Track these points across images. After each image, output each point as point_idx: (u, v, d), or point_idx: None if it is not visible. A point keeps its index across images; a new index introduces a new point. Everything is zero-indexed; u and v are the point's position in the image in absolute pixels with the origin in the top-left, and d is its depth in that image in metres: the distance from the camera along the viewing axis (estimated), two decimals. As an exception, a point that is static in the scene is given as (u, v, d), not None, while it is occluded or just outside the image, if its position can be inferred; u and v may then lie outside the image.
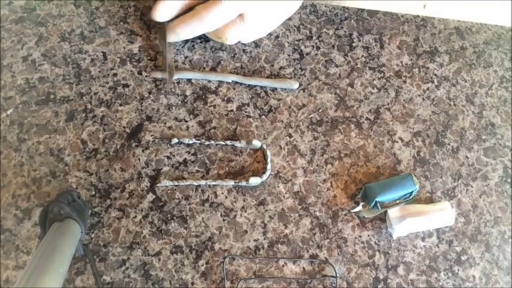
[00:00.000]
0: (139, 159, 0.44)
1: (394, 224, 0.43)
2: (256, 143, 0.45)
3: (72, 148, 0.44)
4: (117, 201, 0.43)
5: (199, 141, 0.45)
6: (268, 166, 0.45)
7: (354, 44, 0.51)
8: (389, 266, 0.43)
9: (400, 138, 0.48)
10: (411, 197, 0.44)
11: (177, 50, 0.48)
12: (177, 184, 0.43)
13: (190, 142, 0.45)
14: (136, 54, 0.48)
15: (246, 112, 0.47)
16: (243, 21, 0.43)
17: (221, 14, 0.42)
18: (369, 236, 0.44)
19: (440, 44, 0.52)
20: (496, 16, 0.54)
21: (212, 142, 0.45)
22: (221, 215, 0.43)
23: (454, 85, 0.51)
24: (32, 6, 0.48)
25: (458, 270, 0.44)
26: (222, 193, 0.44)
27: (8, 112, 0.44)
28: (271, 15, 0.46)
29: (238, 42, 0.48)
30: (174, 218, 0.43)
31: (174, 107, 0.46)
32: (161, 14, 0.43)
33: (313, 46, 0.50)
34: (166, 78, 0.46)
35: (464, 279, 0.43)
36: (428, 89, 0.50)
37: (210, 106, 0.47)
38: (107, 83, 0.47)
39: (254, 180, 0.44)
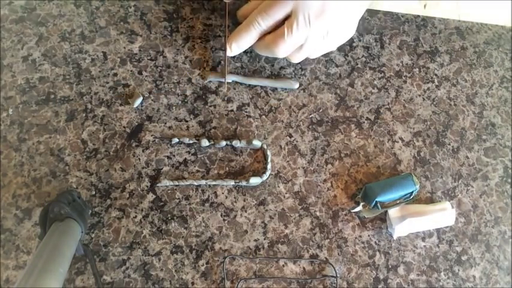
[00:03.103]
0: (139, 159, 0.44)
1: (395, 224, 0.43)
2: (257, 143, 0.45)
3: (72, 148, 0.44)
4: (118, 201, 0.43)
5: (199, 141, 0.45)
6: (269, 166, 0.45)
7: (354, 44, 0.51)
8: (390, 266, 0.43)
9: (401, 138, 0.48)
10: (411, 197, 0.44)
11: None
12: (177, 184, 0.43)
13: (191, 142, 0.45)
14: (136, 54, 0.48)
15: (246, 112, 0.47)
16: (306, 45, 0.44)
17: (288, 46, 0.43)
18: (369, 236, 0.44)
19: (440, 44, 0.52)
20: (496, 16, 0.54)
21: (212, 142, 0.45)
22: (221, 215, 0.43)
23: (455, 85, 0.51)
24: (32, 6, 0.48)
25: (458, 270, 0.44)
26: (222, 193, 0.44)
27: (9, 112, 0.44)
28: (334, 35, 0.45)
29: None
30: (174, 218, 0.43)
31: (174, 107, 0.46)
32: (236, 50, 0.45)
33: (313, 46, 0.50)
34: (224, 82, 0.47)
35: (464, 279, 0.43)
36: (428, 89, 0.50)
37: (210, 106, 0.47)
38: (107, 82, 0.47)
39: (254, 180, 0.44)
